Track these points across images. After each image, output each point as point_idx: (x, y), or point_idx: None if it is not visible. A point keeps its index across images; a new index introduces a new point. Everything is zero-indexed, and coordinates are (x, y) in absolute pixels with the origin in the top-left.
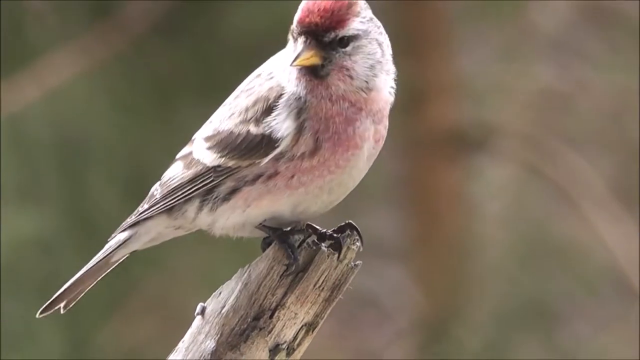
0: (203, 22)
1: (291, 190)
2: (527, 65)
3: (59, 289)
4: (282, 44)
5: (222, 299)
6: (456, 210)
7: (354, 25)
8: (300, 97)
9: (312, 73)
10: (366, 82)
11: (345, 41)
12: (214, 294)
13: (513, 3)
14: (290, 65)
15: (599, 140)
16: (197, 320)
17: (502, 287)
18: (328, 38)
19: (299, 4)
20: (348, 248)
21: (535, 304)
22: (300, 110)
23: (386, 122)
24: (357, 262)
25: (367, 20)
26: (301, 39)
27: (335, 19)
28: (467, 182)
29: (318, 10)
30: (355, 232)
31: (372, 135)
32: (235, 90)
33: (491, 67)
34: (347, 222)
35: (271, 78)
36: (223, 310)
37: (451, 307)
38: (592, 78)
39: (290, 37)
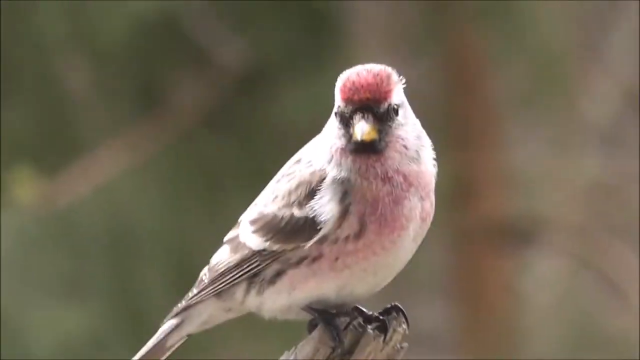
0: (250, 114)
1: (336, 273)
2: (577, 157)
3: None
4: None
5: None
6: (506, 302)
7: (399, 94)
8: (346, 180)
9: (368, 150)
10: (417, 151)
11: (396, 110)
12: None
13: (564, 94)
14: (358, 141)
15: None
16: None
17: None
18: (383, 109)
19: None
20: (394, 330)
21: None
22: (345, 193)
23: (432, 197)
24: (403, 344)
25: (403, 89)
26: (357, 116)
27: (383, 89)
28: (517, 274)
29: (363, 86)
30: (401, 314)
31: (418, 214)
32: (277, 174)
33: (542, 159)
34: (393, 304)
35: (311, 165)
36: None
37: None
38: None
39: (335, 118)
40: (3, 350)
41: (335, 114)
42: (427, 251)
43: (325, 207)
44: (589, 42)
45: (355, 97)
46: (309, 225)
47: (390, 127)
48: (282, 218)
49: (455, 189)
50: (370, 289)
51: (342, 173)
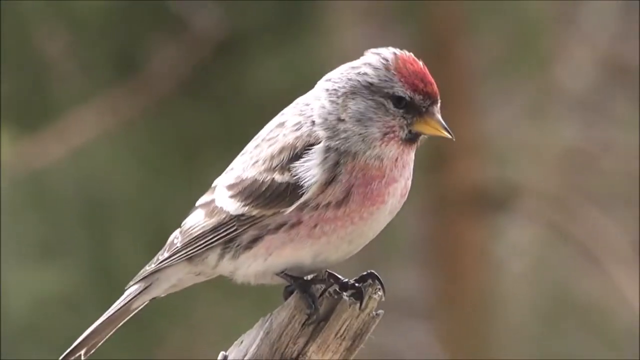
0: (226, 81)
1: (313, 240)
2: (552, 124)
3: None
4: None
5: (244, 348)
6: (480, 269)
7: None
8: (345, 153)
9: (416, 140)
10: None
11: None
12: (235, 342)
13: (539, 62)
14: (438, 135)
15: (624, 199)
16: None
17: (526, 346)
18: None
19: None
20: (370, 297)
21: None
22: (337, 163)
23: (411, 173)
24: (379, 311)
25: None
26: (436, 109)
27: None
28: (491, 241)
29: (429, 80)
30: (377, 282)
31: (400, 192)
32: (255, 138)
33: (516, 126)
34: (369, 271)
35: (297, 129)
36: (245, 359)
37: None
38: (616, 137)
39: (386, 103)
40: None
41: (396, 99)
42: (402, 218)
43: (309, 171)
44: (565, 9)
45: (430, 90)
46: (291, 191)
47: None
48: (263, 183)
49: (429, 156)
50: (343, 257)
51: (350, 148)
